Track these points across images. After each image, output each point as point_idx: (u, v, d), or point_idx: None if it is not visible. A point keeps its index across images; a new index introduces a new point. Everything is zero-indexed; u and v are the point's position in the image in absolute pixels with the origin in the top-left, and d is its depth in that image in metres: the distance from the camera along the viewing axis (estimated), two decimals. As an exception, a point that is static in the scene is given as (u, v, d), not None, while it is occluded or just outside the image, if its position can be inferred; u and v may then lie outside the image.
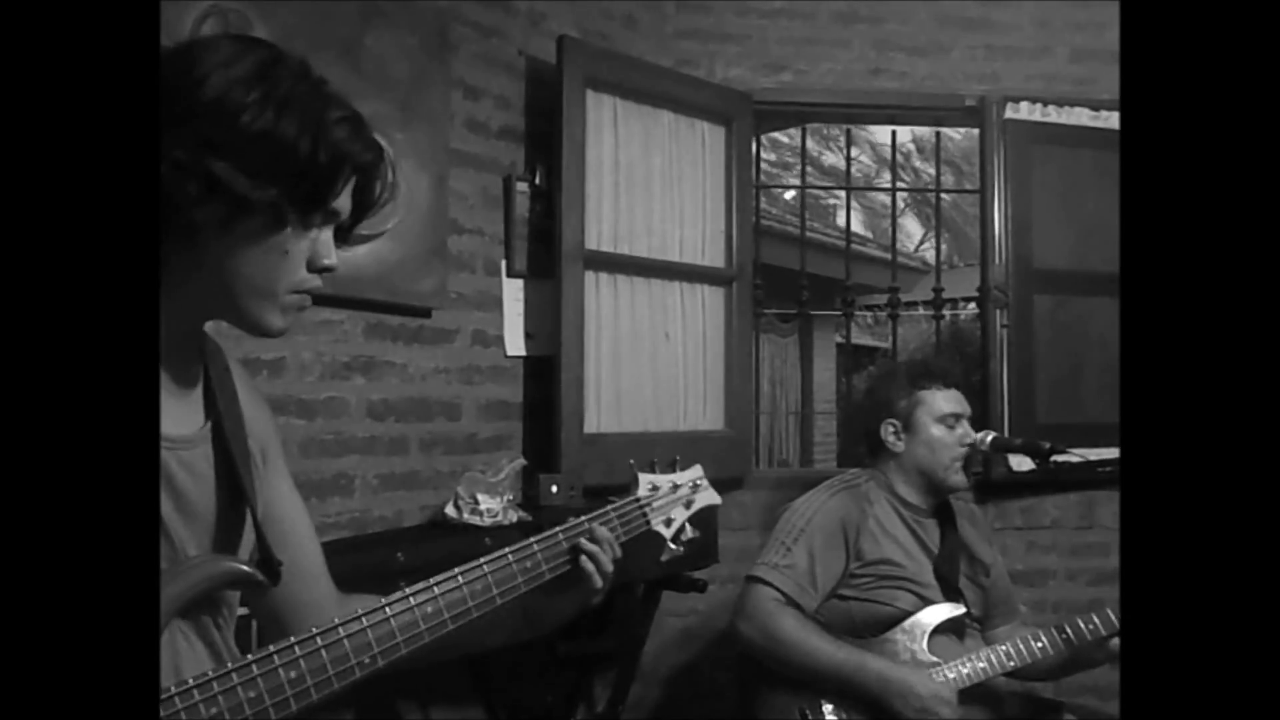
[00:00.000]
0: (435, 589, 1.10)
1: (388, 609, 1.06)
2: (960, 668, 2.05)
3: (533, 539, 1.22)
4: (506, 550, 1.19)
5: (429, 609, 1.09)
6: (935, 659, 2.07)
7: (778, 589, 2.09)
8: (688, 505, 1.41)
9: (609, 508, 1.32)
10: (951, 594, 2.19)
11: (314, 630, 1.01)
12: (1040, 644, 2.09)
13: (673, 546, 1.38)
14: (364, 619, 1.04)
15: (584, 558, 1.24)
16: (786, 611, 2.08)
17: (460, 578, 1.13)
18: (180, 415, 1.00)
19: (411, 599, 1.08)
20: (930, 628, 2.10)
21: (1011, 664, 2.08)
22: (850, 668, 2.01)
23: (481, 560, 1.15)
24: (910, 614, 2.12)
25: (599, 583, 1.25)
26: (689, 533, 1.40)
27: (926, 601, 2.14)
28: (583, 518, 1.27)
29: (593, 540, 1.25)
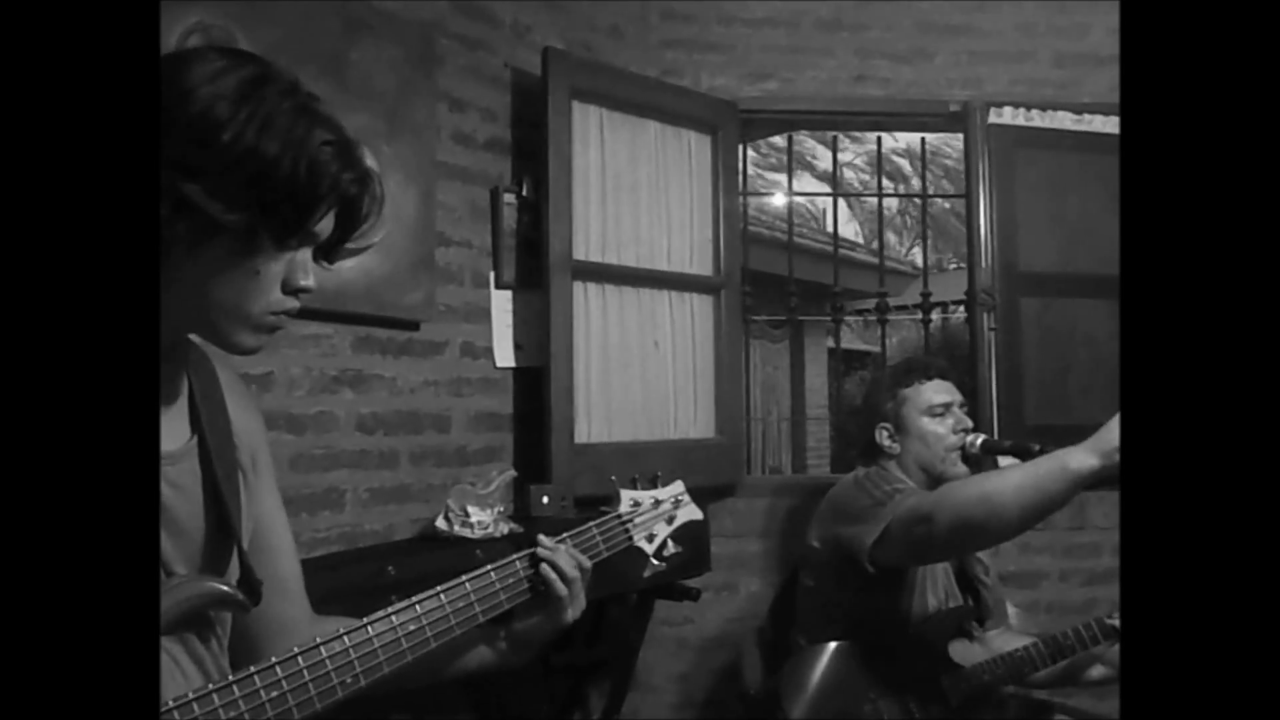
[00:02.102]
0: (417, 607, 1.11)
1: (369, 628, 1.06)
2: (982, 675, 2.05)
3: (514, 556, 1.23)
4: (489, 568, 1.19)
5: (411, 626, 1.09)
6: (958, 661, 2.07)
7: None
8: (669, 521, 1.42)
9: (591, 524, 1.32)
10: (969, 593, 2.20)
11: (295, 650, 1.00)
12: (1040, 652, 2.08)
13: (655, 562, 1.38)
14: (346, 638, 1.04)
15: (544, 565, 1.22)
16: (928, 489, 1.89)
17: (442, 596, 1.13)
18: (164, 430, 0.99)
19: (393, 617, 1.08)
20: (952, 627, 2.10)
21: (1026, 670, 2.07)
22: (1045, 465, 1.69)
23: (464, 578, 1.16)
24: (935, 611, 2.12)
25: (562, 590, 1.22)
26: (671, 548, 1.40)
27: (947, 598, 2.14)
28: (564, 535, 1.27)
29: (550, 555, 1.23)
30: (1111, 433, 1.61)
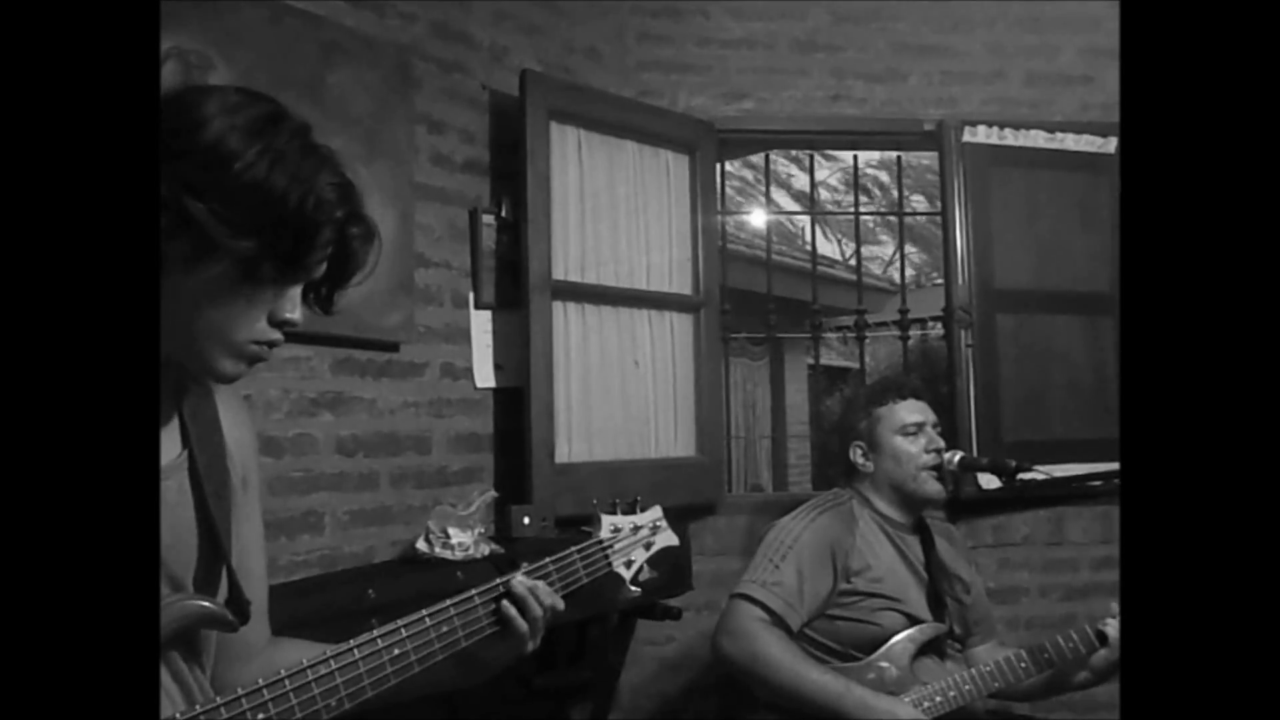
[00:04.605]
0: (402, 630, 1.11)
1: (356, 651, 1.06)
2: (947, 691, 2.05)
3: (498, 580, 1.23)
4: (473, 591, 1.19)
5: (396, 650, 1.09)
6: (921, 681, 2.08)
7: (764, 607, 2.08)
8: (647, 547, 1.43)
9: (573, 549, 1.33)
10: (939, 612, 2.20)
11: (282, 672, 1.00)
12: (1024, 664, 2.10)
13: (632, 589, 1.39)
14: (331, 660, 1.04)
15: (505, 603, 1.20)
16: (772, 631, 2.06)
17: (427, 619, 1.14)
18: None
19: (378, 640, 1.08)
20: (915, 648, 2.11)
21: (996, 685, 2.09)
22: (834, 693, 1.99)
23: (448, 602, 1.16)
24: (896, 633, 2.13)
25: (524, 628, 1.21)
26: (647, 573, 1.42)
27: (912, 620, 2.15)
28: (546, 560, 1.28)
29: (518, 594, 1.22)
30: None
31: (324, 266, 1.01)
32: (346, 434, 2.32)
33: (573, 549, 1.33)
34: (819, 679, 2.01)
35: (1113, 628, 2.09)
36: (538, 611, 1.22)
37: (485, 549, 2.27)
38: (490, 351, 2.68)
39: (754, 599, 2.09)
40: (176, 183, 0.89)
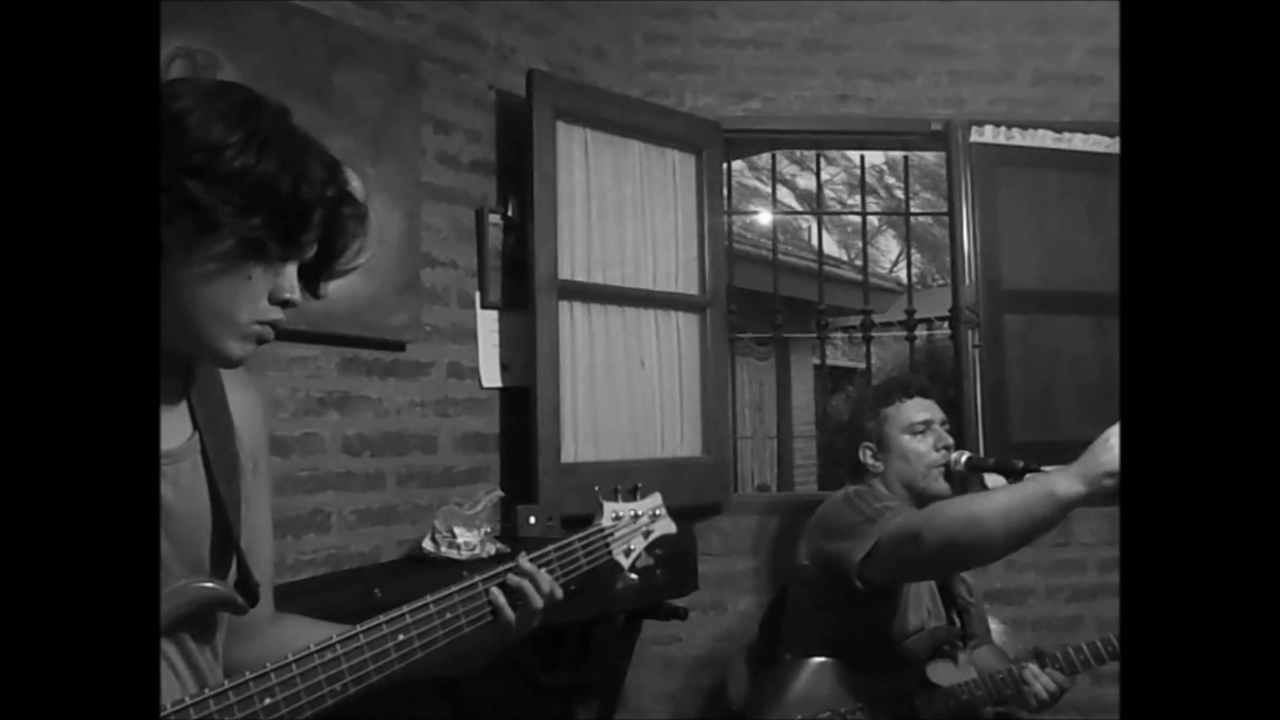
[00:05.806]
0: (407, 616, 1.12)
1: (361, 636, 1.07)
2: (960, 695, 2.05)
3: (503, 567, 1.23)
4: (478, 578, 1.20)
5: (401, 637, 1.10)
6: (936, 681, 2.07)
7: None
8: (646, 535, 1.44)
9: (574, 538, 1.33)
10: (953, 612, 2.20)
11: (289, 657, 1.01)
12: (1034, 672, 2.08)
13: (631, 576, 1.40)
14: (338, 646, 1.05)
15: (494, 590, 1.20)
16: (924, 508, 1.90)
17: (432, 606, 1.14)
18: (165, 429, 1.00)
19: (384, 626, 1.09)
20: (929, 649, 2.10)
21: (1008, 691, 2.08)
22: (1040, 490, 1.66)
23: (453, 588, 1.17)
24: (917, 631, 2.12)
25: (511, 617, 1.21)
26: (644, 561, 1.42)
27: (930, 618, 2.15)
28: (549, 548, 1.29)
29: (519, 575, 1.22)
30: (1098, 457, 1.56)
31: (316, 246, 1.02)
32: (353, 433, 2.32)
33: (575, 537, 1.34)
34: (1011, 491, 1.74)
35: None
36: (538, 602, 1.22)
37: (491, 548, 2.27)
38: (496, 351, 2.69)
39: (882, 528, 1.91)
40: (174, 166, 0.90)
